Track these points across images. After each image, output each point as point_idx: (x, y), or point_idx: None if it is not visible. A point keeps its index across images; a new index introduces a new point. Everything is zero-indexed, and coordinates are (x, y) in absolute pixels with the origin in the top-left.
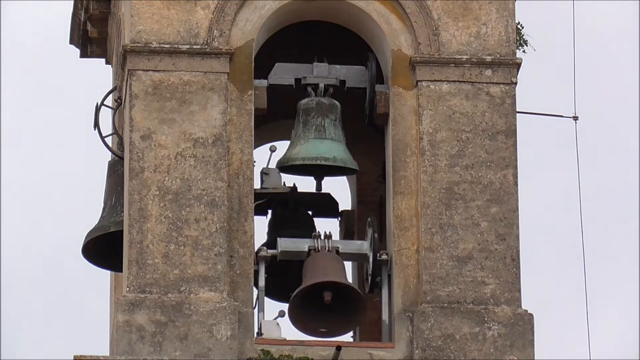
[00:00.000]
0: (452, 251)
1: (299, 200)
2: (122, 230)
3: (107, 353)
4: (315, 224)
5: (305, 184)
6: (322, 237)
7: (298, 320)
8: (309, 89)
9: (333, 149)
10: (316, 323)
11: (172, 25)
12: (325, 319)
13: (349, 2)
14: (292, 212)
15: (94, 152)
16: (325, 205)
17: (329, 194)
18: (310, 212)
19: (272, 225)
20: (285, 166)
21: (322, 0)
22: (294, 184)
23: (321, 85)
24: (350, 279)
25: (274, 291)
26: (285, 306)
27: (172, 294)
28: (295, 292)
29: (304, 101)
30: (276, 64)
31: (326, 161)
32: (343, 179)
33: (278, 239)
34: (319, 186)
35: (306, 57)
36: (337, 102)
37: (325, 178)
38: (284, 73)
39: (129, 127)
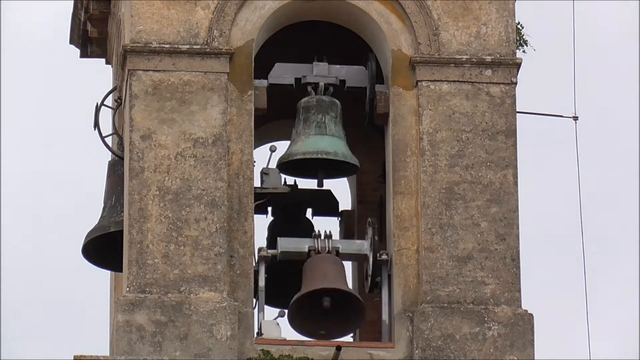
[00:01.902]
0: (452, 251)
1: (299, 198)
2: (122, 230)
3: (107, 353)
4: (315, 223)
5: (306, 183)
6: (322, 237)
7: (297, 323)
8: (309, 88)
9: (334, 143)
10: (315, 326)
11: (172, 25)
12: (325, 322)
13: (349, 2)
14: (292, 218)
15: (94, 152)
16: (326, 203)
17: (329, 191)
18: (310, 210)
19: (271, 229)
20: (287, 163)
21: (322, 0)
22: (295, 181)
23: (321, 84)
24: (350, 279)
25: (273, 298)
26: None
27: (172, 294)
28: (294, 298)
29: (304, 99)
30: (276, 64)
31: (327, 155)
32: (343, 179)
33: (278, 238)
34: (320, 185)
35: (306, 57)
36: (337, 100)
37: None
38: (283, 73)
39: (129, 127)
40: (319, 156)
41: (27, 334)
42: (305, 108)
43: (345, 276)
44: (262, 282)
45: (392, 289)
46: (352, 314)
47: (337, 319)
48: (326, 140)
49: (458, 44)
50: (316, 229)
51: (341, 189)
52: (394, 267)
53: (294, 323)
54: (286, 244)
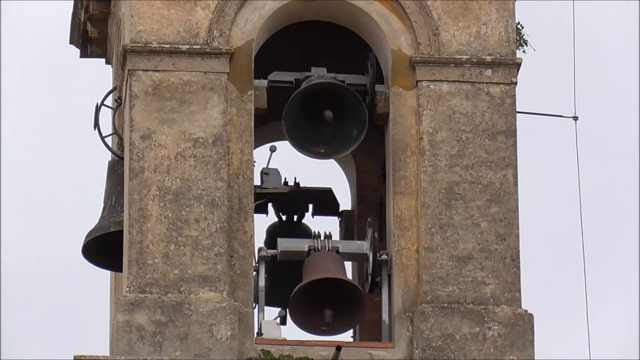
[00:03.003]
0: (452, 251)
1: (299, 198)
2: (122, 230)
3: (107, 353)
4: (316, 223)
5: (306, 183)
6: (322, 237)
7: (299, 318)
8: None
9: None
10: (317, 321)
11: (172, 25)
12: (327, 317)
13: (349, 2)
14: (291, 222)
15: (94, 152)
16: (326, 203)
17: (330, 191)
18: (310, 209)
19: (270, 232)
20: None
21: (322, 0)
22: (295, 179)
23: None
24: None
25: (273, 298)
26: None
27: (172, 294)
28: (295, 288)
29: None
30: (273, 72)
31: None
32: (343, 179)
33: (278, 239)
34: (329, 118)
35: (306, 57)
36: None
37: (325, 178)
38: (282, 77)
39: (129, 127)
40: (329, 80)
41: (27, 334)
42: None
43: (345, 271)
44: (262, 282)
45: (392, 289)
46: (353, 308)
47: (338, 314)
48: (330, 76)
49: (458, 44)
50: (315, 229)
51: (341, 189)
52: (394, 267)
53: (295, 319)
54: (286, 243)
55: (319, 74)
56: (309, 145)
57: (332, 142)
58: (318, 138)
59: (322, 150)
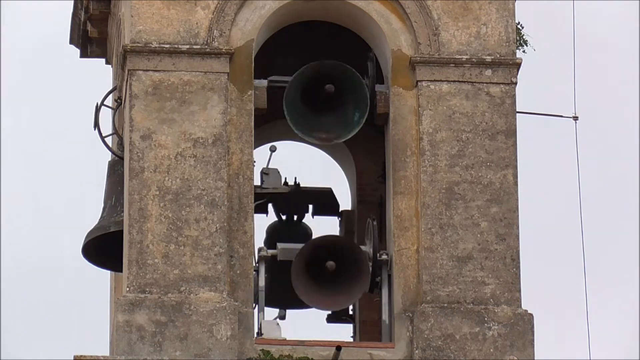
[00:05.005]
0: (452, 251)
1: (299, 198)
2: (122, 230)
3: (107, 353)
4: (316, 223)
5: (306, 183)
6: None
7: (301, 291)
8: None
9: None
10: (320, 294)
11: (172, 25)
12: (330, 289)
13: (349, 2)
14: (291, 222)
15: (94, 152)
16: (326, 203)
17: (330, 191)
18: (310, 207)
19: (270, 232)
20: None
21: (322, 0)
22: (295, 179)
23: None
24: None
25: (273, 298)
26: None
27: (172, 294)
28: (296, 254)
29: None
30: (271, 77)
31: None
32: (343, 179)
33: (278, 244)
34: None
35: (306, 57)
36: None
37: (325, 178)
38: (282, 77)
39: (129, 127)
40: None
41: (27, 334)
42: None
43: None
44: (262, 282)
45: (392, 289)
46: (356, 275)
47: (341, 286)
48: None
49: (458, 44)
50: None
51: (341, 189)
52: (394, 267)
53: (299, 292)
54: (286, 245)
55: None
56: (311, 130)
57: (334, 127)
58: (320, 123)
59: (324, 135)
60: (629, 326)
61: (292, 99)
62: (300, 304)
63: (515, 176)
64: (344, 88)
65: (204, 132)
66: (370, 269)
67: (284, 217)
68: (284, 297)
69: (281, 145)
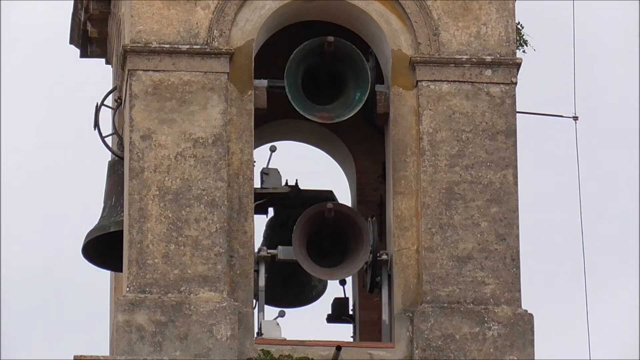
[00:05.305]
0: (452, 251)
1: (299, 199)
2: (122, 230)
3: (107, 353)
4: None
5: (306, 183)
6: None
7: (304, 261)
8: None
9: None
10: (322, 264)
11: (172, 25)
12: (332, 257)
13: (349, 2)
14: (292, 223)
15: (94, 152)
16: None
17: (330, 192)
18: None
19: (268, 236)
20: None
21: (322, 0)
22: (296, 180)
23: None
24: (350, 280)
25: (273, 297)
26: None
27: (172, 294)
28: (296, 222)
29: None
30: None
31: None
32: (343, 179)
33: (279, 247)
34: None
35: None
36: None
37: (325, 178)
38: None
39: (129, 127)
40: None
41: (27, 334)
42: None
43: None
44: (262, 282)
45: (392, 289)
46: (359, 243)
47: (341, 256)
48: None
49: (458, 44)
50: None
51: (341, 189)
52: (394, 267)
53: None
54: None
55: None
56: (312, 109)
57: (335, 106)
58: (321, 102)
59: (326, 114)
60: (629, 326)
61: (294, 77)
62: (299, 302)
63: (515, 176)
64: (345, 71)
65: (204, 132)
66: (372, 239)
67: (285, 220)
68: (284, 297)
69: (281, 145)
